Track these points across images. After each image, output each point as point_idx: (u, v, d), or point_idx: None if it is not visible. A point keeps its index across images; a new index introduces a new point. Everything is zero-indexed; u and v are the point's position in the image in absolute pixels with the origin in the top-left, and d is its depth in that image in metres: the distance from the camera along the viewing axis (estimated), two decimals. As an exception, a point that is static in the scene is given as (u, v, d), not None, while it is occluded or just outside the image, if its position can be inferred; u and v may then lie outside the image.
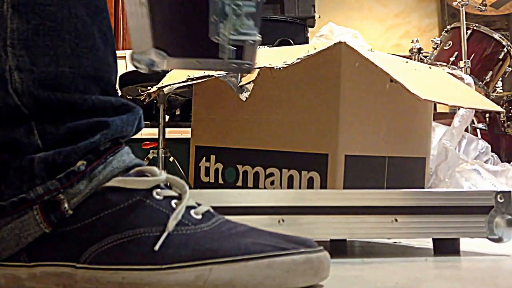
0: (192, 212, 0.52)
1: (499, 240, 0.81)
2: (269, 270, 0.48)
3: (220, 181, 1.78)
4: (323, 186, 1.33)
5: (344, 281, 0.60)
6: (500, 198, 0.80)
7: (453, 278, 0.64)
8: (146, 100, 1.69)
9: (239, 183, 1.74)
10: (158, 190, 0.52)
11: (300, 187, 1.43)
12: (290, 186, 1.70)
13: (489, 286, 0.61)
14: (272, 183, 1.70)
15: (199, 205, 0.54)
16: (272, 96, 1.69)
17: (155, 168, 0.53)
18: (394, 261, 0.76)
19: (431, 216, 0.80)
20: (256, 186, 1.71)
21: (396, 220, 0.79)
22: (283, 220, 0.77)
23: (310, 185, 1.40)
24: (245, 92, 1.51)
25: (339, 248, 0.80)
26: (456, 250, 0.82)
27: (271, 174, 1.71)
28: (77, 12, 0.51)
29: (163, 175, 0.53)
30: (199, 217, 0.52)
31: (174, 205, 0.51)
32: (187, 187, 0.53)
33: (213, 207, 0.55)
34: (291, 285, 0.49)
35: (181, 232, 0.50)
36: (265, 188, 1.69)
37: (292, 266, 0.49)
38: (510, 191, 0.81)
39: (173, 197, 0.52)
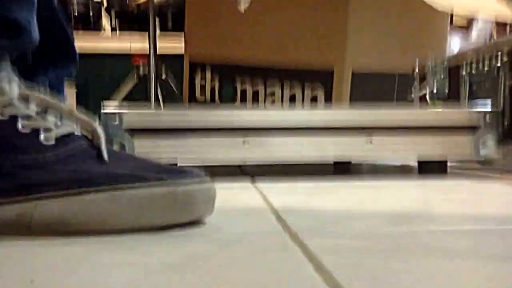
0: (42, 136, 0.44)
1: (485, 162, 0.83)
2: (111, 205, 0.41)
3: (217, 100, 1.67)
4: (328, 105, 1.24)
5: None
6: (489, 119, 0.80)
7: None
8: (135, 10, 1.54)
9: (237, 103, 1.63)
10: None
11: (303, 106, 1.33)
12: (291, 105, 1.59)
13: None
14: (272, 102, 1.59)
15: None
16: (274, 4, 1.55)
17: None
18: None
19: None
20: (255, 105, 1.60)
21: (371, 142, 0.82)
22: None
23: (313, 104, 1.30)
24: (244, 3, 1.37)
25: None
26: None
27: (272, 93, 1.60)
28: None
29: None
30: (51, 142, 0.44)
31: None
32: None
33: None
34: (144, 223, 0.42)
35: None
36: (265, 107, 1.58)
37: (144, 201, 0.41)
38: (498, 112, 0.83)
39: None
